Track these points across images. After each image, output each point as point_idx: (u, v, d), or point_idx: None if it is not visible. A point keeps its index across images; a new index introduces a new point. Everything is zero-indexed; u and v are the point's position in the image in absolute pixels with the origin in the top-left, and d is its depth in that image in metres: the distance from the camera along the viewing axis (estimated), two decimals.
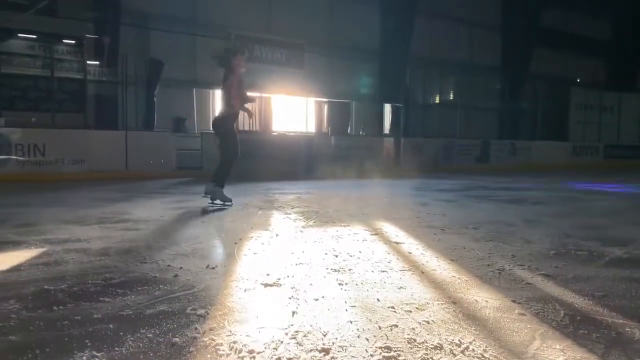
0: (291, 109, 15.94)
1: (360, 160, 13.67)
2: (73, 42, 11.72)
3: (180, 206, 6.25)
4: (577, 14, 22.22)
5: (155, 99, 11.98)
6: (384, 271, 3.07)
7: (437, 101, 17.97)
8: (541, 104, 20.74)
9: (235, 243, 3.87)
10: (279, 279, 2.86)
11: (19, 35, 11.40)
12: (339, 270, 3.06)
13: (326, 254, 3.52)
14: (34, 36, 11.58)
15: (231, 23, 14.24)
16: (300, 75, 15.45)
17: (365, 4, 17.00)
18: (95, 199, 7.01)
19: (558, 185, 10.21)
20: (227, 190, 6.57)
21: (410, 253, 3.61)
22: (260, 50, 14.69)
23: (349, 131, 16.91)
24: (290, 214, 5.62)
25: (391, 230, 4.54)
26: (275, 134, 13.66)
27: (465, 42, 19.72)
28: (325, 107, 16.60)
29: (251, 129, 14.42)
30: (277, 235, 4.23)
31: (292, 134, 13.37)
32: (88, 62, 11.83)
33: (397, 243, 3.95)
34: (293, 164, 13.11)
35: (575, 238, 4.21)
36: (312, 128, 16.19)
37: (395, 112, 17.08)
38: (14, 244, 3.78)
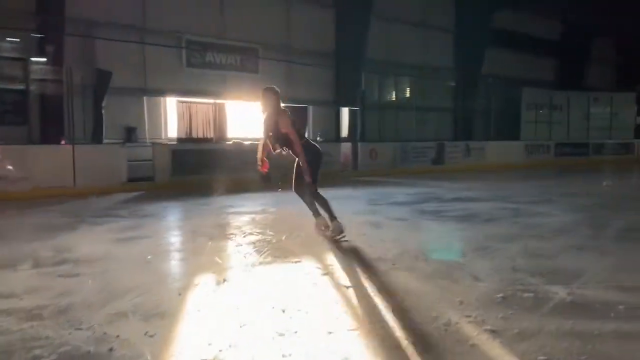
0: (247, 115, 15.70)
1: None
2: (16, 54, 11.23)
3: (127, 236, 6.03)
4: (527, 14, 22.71)
5: (103, 111, 11.57)
6: (331, 332, 2.99)
7: (393, 104, 18.06)
8: (494, 104, 21.16)
9: (180, 294, 3.73)
10: (221, 350, 2.75)
11: None
12: (284, 334, 2.97)
13: (273, 307, 3.42)
14: None
15: (183, 29, 13.90)
16: (256, 80, 15.21)
17: (320, 8, 16.92)
18: (36, 228, 6.69)
19: (511, 194, 10.41)
20: (178, 208, 6.40)
21: (359, 302, 3.55)
22: (214, 55, 14.39)
23: (306, 136, 16.78)
24: (241, 245, 5.50)
25: (342, 266, 4.49)
26: (230, 142, 13.43)
27: (420, 44, 19.88)
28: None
29: (205, 136, 14.18)
30: (224, 280, 4.10)
31: (248, 142, 13.15)
32: (32, 73, 11.32)
33: (346, 287, 3.89)
34: (250, 172, 12.91)
35: (522, 272, 4.25)
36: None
37: (352, 116, 17.11)
38: None
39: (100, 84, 11.51)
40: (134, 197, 10.22)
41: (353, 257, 4.86)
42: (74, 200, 9.49)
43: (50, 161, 10.71)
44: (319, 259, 4.79)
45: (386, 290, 3.79)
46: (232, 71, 14.72)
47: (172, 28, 13.68)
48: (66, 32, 11.80)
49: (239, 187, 11.35)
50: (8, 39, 11.20)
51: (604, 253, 5.01)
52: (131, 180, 11.76)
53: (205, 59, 14.18)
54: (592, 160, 22.19)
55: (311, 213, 5.99)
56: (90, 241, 5.74)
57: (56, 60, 11.58)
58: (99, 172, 11.08)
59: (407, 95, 19.22)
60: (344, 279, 4.13)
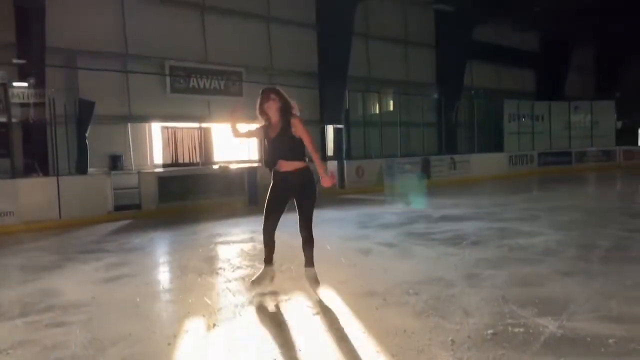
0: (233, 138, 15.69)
1: None
2: None
3: (114, 275, 5.97)
4: (506, 27, 23.09)
5: (87, 141, 11.49)
6: None
7: (378, 120, 18.17)
8: (477, 116, 21.38)
9: (169, 343, 3.69)
10: None
11: None
12: None
13: (264, 357, 3.40)
14: None
15: (165, 54, 13.92)
16: (240, 102, 15.24)
17: (301, 28, 17.05)
18: (22, 269, 6.61)
19: (496, 210, 10.48)
20: (166, 239, 6.35)
21: (350, 346, 3.54)
22: (197, 80, 14.40)
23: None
24: (230, 280, 5.47)
25: (333, 304, 4.48)
26: (216, 167, 13.40)
27: (402, 60, 20.12)
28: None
29: (192, 161, 14.15)
30: (214, 325, 4.06)
31: (235, 165, 13.15)
32: (13, 104, 11.23)
33: (337, 329, 3.88)
34: (237, 195, 12.92)
35: (512, 304, 4.27)
36: (255, 156, 16.02)
37: (337, 134, 17.16)
38: None
39: (83, 114, 11.45)
40: (120, 228, 10.14)
41: (344, 291, 4.85)
42: (60, 234, 9.39)
43: (35, 194, 10.60)
44: (309, 295, 4.77)
45: (377, 330, 3.78)
46: (216, 95, 14.74)
47: (155, 54, 13.69)
48: (47, 61, 11.74)
49: (227, 211, 11.33)
50: None
51: (590, 277, 5.07)
52: (118, 208, 11.68)
53: (189, 84, 14.19)
54: (575, 169, 22.52)
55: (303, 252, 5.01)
56: (77, 283, 5.67)
57: (38, 91, 11.50)
58: (85, 203, 11.00)
59: (391, 111, 19.32)
60: (334, 318, 4.12)
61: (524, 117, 22.73)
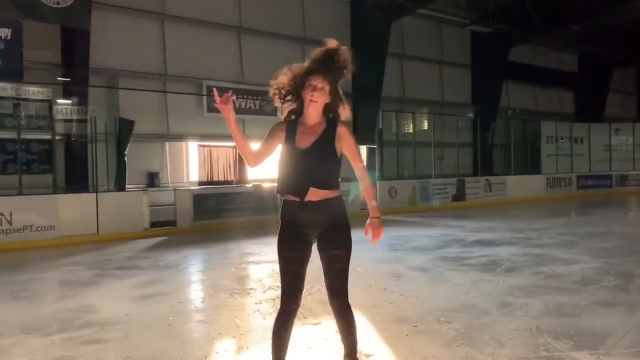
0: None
1: None
2: (42, 104, 11.64)
3: (148, 293, 6.09)
4: (544, 47, 22.79)
5: (125, 159, 11.82)
6: None
7: (412, 140, 18.09)
8: (514, 137, 21.06)
9: None
10: None
11: None
12: None
13: None
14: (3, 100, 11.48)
15: (203, 74, 14.22)
16: (274, 122, 15.41)
17: None
18: (61, 284, 6.82)
19: (532, 235, 10.27)
20: (199, 257, 6.42)
21: None
22: (233, 100, 14.61)
23: None
24: (261, 302, 5.51)
25: (362, 330, 4.45)
26: (250, 185, 13.56)
27: (436, 80, 20.04)
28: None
29: (226, 179, 14.37)
30: (244, 348, 4.10)
31: (267, 185, 13.27)
32: (57, 122, 11.68)
33: (366, 356, 3.86)
34: (270, 213, 13.01)
35: (546, 334, 4.17)
36: None
37: (370, 154, 17.15)
38: None
39: (123, 132, 11.79)
40: (155, 245, 10.34)
41: (374, 317, 4.83)
42: (97, 250, 9.63)
43: (75, 209, 10.94)
44: None
45: (407, 359, 3.75)
46: (251, 114, 14.95)
47: (193, 74, 14.01)
48: (90, 81, 12.18)
49: (259, 229, 11.41)
50: (35, 89, 11.57)
51: (631, 309, 4.89)
52: (154, 225, 11.92)
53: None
54: (616, 192, 21.86)
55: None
56: (113, 299, 5.81)
57: (81, 110, 11.94)
58: (122, 219, 11.28)
59: (426, 131, 19.20)
60: (365, 345, 4.09)
61: (562, 139, 22.25)
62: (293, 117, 3.04)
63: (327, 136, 2.95)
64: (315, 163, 2.90)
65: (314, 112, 2.96)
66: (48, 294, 6.27)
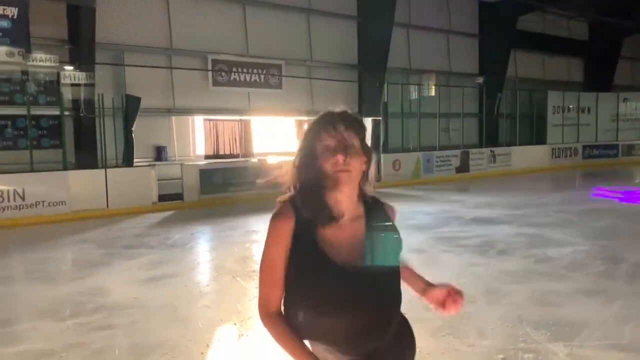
0: (272, 129, 16.06)
1: None
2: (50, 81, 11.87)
3: (155, 275, 6.41)
4: (553, 15, 22.42)
5: (133, 135, 12.06)
6: None
7: (417, 112, 18.11)
8: (519, 107, 20.99)
9: (202, 353, 4.06)
10: None
11: None
12: None
13: None
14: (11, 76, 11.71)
15: (208, 48, 14.28)
16: (279, 95, 15.55)
17: (342, 20, 17.09)
18: (73, 264, 7.19)
19: (530, 212, 10.47)
20: (205, 234, 6.68)
21: None
22: (238, 73, 14.74)
23: None
24: None
25: None
26: (255, 160, 13.80)
27: (444, 50, 19.89)
28: (305, 126, 16.73)
29: (232, 153, 14.60)
30: (244, 335, 4.41)
31: (272, 159, 13.51)
32: (65, 98, 11.89)
33: None
34: (275, 188, 13.28)
35: (527, 325, 4.44)
36: (293, 147, 16.33)
37: (375, 127, 17.23)
38: None
39: (130, 109, 12.00)
40: (163, 220, 10.68)
41: None
42: (107, 225, 9.99)
43: (85, 184, 11.26)
44: None
45: None
46: (257, 88, 15.05)
47: (198, 48, 14.07)
48: (97, 57, 12.30)
49: (264, 204, 11.68)
50: (42, 56, 11.74)
51: (610, 299, 5.13)
52: (161, 198, 12.23)
53: (230, 78, 14.54)
54: (622, 162, 21.88)
55: None
56: (122, 282, 6.14)
57: (88, 86, 12.12)
58: (131, 194, 11.60)
59: (431, 102, 19.19)
60: None
61: (569, 109, 22.15)
62: (307, 215, 1.67)
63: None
64: (378, 280, 1.67)
65: (347, 197, 1.69)
66: (61, 275, 6.63)
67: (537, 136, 21.37)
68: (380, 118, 17.18)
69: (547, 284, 5.66)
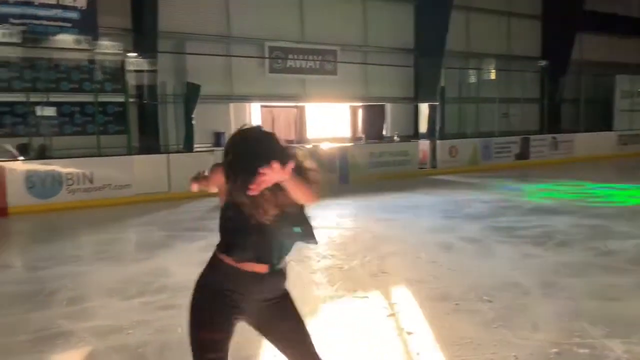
0: (326, 115, 16.17)
1: (395, 166, 13.92)
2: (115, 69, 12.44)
3: None
4: None
5: (193, 122, 12.47)
6: None
7: (475, 97, 17.71)
8: (584, 92, 20.10)
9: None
10: None
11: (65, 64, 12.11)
12: None
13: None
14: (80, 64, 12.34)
15: (265, 35, 14.51)
16: (334, 81, 15.60)
17: (398, 3, 16.89)
18: (137, 245, 7.60)
19: (592, 202, 10.12)
20: None
21: (417, 354, 3.87)
22: (294, 60, 14.89)
23: (384, 133, 17.01)
24: (315, 272, 5.96)
25: (407, 307, 4.80)
26: (309, 146, 13.96)
27: (504, 33, 19.29)
28: (360, 111, 16.74)
29: (287, 139, 14.81)
30: None
31: (326, 146, 13.63)
32: (130, 86, 12.43)
33: (408, 333, 4.21)
34: (328, 174, 13.44)
35: (584, 319, 4.35)
36: (346, 133, 16.41)
37: (431, 112, 17.00)
38: (64, 338, 4.26)
39: (190, 97, 12.41)
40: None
41: (419, 293, 5.15)
42: (168, 209, 10.43)
43: (149, 169, 11.78)
44: (386, 294, 5.13)
45: (445, 338, 4.07)
46: (312, 74, 15.18)
47: (255, 35, 14.32)
48: (159, 45, 12.75)
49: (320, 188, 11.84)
50: (108, 52, 12.32)
51: None
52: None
53: (286, 64, 14.73)
54: None
55: None
56: (183, 263, 6.43)
57: (151, 73, 12.61)
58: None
59: (490, 87, 18.71)
60: (407, 322, 4.45)
61: (639, 93, 21.01)
62: None
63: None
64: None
65: None
66: (127, 255, 7.03)
67: (603, 122, 20.43)
68: (437, 103, 16.91)
69: (607, 277, 5.51)
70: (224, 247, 2.23)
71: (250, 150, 1.97)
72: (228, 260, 2.20)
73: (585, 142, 18.76)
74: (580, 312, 4.55)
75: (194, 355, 2.17)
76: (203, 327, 2.19)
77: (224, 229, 2.25)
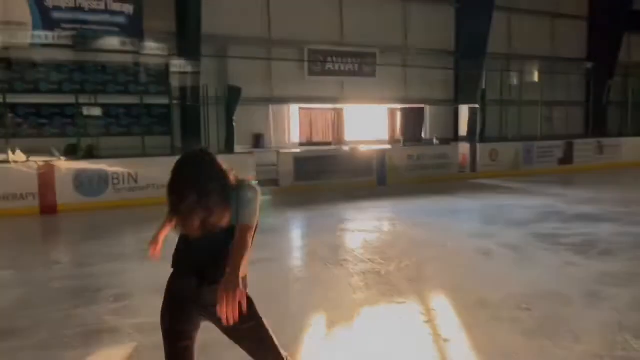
0: (364, 118, 16.19)
1: (434, 169, 13.83)
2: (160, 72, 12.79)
3: (256, 258, 6.77)
4: None
5: (234, 123, 12.71)
6: None
7: (517, 99, 17.37)
8: (632, 95, 19.45)
9: (296, 337, 4.31)
10: None
11: (111, 67, 12.54)
12: None
13: None
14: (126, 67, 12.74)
15: (305, 37, 14.64)
16: (373, 84, 15.60)
17: (439, 5, 16.76)
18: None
19: (638, 210, 9.82)
20: (300, 221, 6.88)
21: None
22: (333, 62, 14.98)
23: (422, 135, 16.89)
24: (353, 275, 5.99)
25: (444, 313, 4.79)
26: (347, 149, 14.02)
27: (548, 34, 18.89)
28: (399, 114, 16.67)
29: (325, 141, 14.92)
30: (334, 323, 4.62)
31: (364, 148, 13.66)
32: (173, 89, 12.77)
33: (444, 340, 4.20)
34: (367, 176, 13.47)
35: (627, 332, 4.25)
36: (384, 136, 16.38)
37: (471, 114, 16.79)
38: (110, 334, 4.44)
39: (231, 99, 12.65)
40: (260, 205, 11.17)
41: (457, 299, 5.12)
42: None
43: None
44: (423, 300, 5.13)
45: (481, 347, 4.05)
46: (350, 76, 15.23)
47: (295, 38, 14.47)
48: (202, 49, 13.05)
49: (356, 192, 11.90)
50: (153, 54, 12.68)
51: None
52: (259, 184, 12.78)
53: (325, 67, 14.83)
54: None
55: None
56: None
57: (194, 75, 12.92)
58: None
59: (533, 89, 18.31)
60: (444, 328, 4.45)
61: None
62: None
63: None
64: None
65: None
66: (170, 254, 7.20)
67: None
68: (477, 106, 16.68)
69: None
70: (172, 262, 2.64)
71: (183, 174, 2.25)
72: (174, 272, 2.63)
73: (633, 147, 18.12)
74: (624, 324, 4.44)
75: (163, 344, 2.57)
76: (163, 321, 2.62)
77: (175, 249, 2.64)
